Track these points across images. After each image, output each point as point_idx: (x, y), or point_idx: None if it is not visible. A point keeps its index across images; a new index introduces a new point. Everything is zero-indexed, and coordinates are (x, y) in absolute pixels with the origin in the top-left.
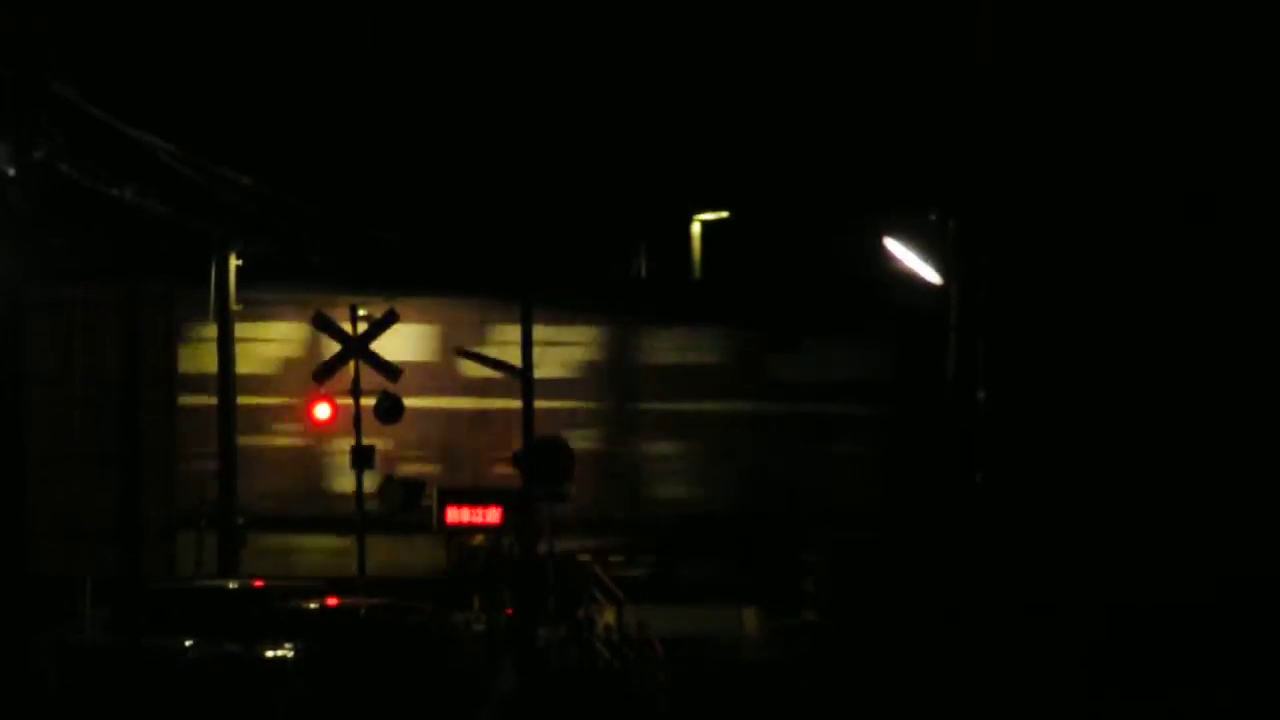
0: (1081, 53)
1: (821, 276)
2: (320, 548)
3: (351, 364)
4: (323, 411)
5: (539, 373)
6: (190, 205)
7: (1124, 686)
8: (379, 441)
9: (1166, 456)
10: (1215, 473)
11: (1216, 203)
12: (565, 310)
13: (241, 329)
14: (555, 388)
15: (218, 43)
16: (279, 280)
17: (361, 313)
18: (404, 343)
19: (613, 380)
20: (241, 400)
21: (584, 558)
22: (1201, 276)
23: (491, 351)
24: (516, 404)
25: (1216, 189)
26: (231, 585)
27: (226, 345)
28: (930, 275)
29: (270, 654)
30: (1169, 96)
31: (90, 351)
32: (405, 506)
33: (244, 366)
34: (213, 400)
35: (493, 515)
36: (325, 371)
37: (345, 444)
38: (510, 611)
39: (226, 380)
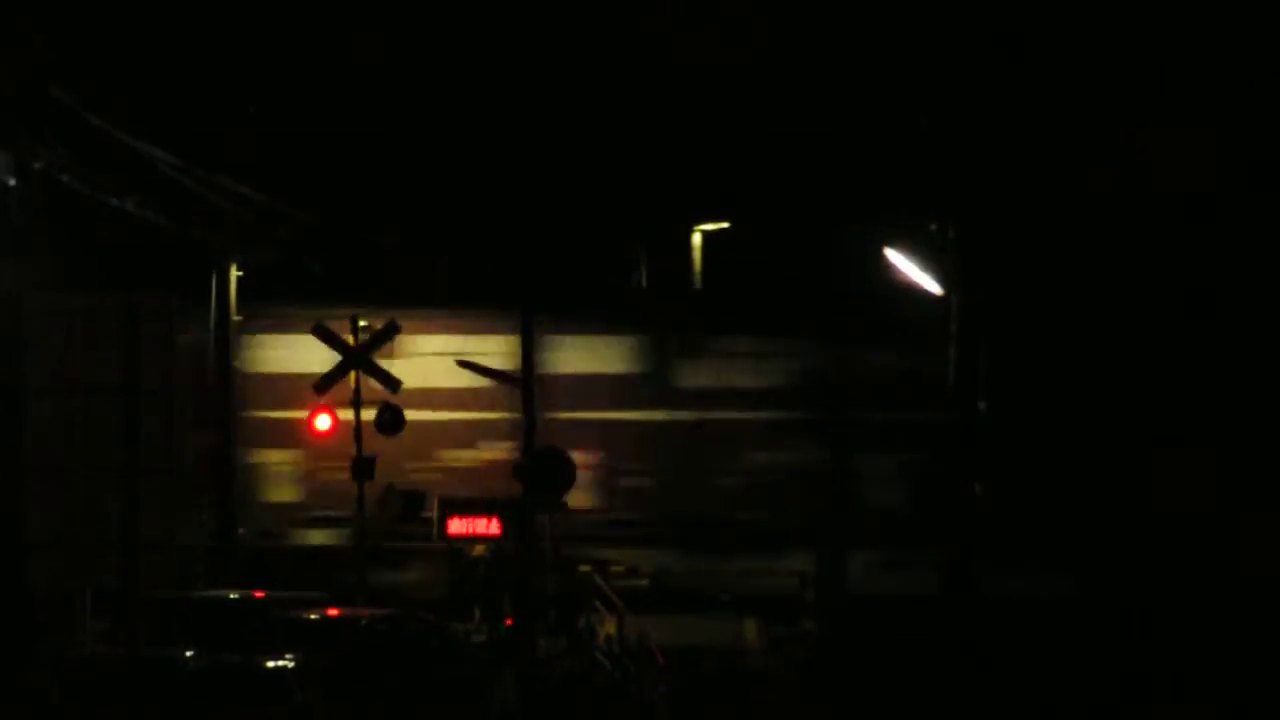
0: (1083, 58)
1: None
2: None
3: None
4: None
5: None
6: (191, 215)
7: (1126, 690)
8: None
9: (1165, 459)
10: (1214, 474)
11: (1217, 207)
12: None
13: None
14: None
15: (218, 52)
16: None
17: (362, 324)
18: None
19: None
20: None
21: (584, 568)
22: (1202, 281)
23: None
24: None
25: (1218, 194)
26: (232, 596)
27: (226, 355)
28: (930, 285)
29: (271, 664)
30: (1169, 102)
31: (90, 361)
32: (405, 517)
33: None
34: None
35: (493, 526)
36: (326, 383)
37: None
38: (510, 622)
39: (227, 390)
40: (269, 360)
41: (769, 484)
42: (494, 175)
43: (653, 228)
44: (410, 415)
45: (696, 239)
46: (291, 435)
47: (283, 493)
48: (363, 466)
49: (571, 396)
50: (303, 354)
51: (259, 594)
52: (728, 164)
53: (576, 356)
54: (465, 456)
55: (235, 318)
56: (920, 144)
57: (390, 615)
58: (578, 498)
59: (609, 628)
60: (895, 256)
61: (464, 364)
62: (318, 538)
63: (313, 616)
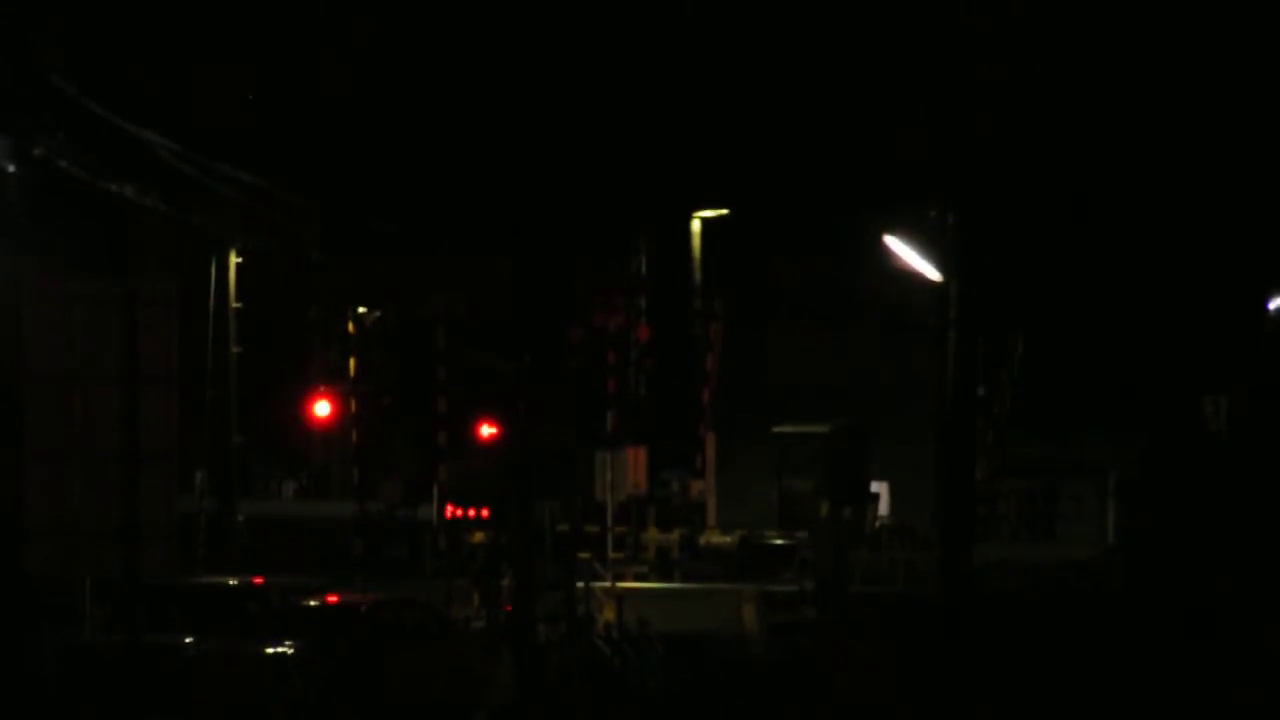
0: (1083, 45)
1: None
2: None
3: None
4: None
5: None
6: (190, 201)
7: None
8: None
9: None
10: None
11: (1215, 195)
12: None
13: None
14: None
15: (218, 38)
16: None
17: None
18: None
19: None
20: None
21: (584, 554)
22: (1201, 265)
23: None
24: None
25: (1214, 180)
26: (231, 582)
27: (225, 341)
28: (930, 272)
29: (270, 651)
30: (1171, 92)
31: (90, 348)
32: (405, 503)
33: None
34: None
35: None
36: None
37: None
38: (510, 609)
39: (226, 376)
40: None
41: None
42: (494, 159)
43: (651, 214)
44: None
45: (695, 225)
46: None
47: None
48: (361, 454)
49: None
50: None
51: (258, 580)
52: (727, 152)
53: None
54: None
55: (234, 304)
56: (919, 130)
57: (390, 602)
58: None
59: (608, 614)
60: (894, 243)
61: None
62: None
63: (312, 603)
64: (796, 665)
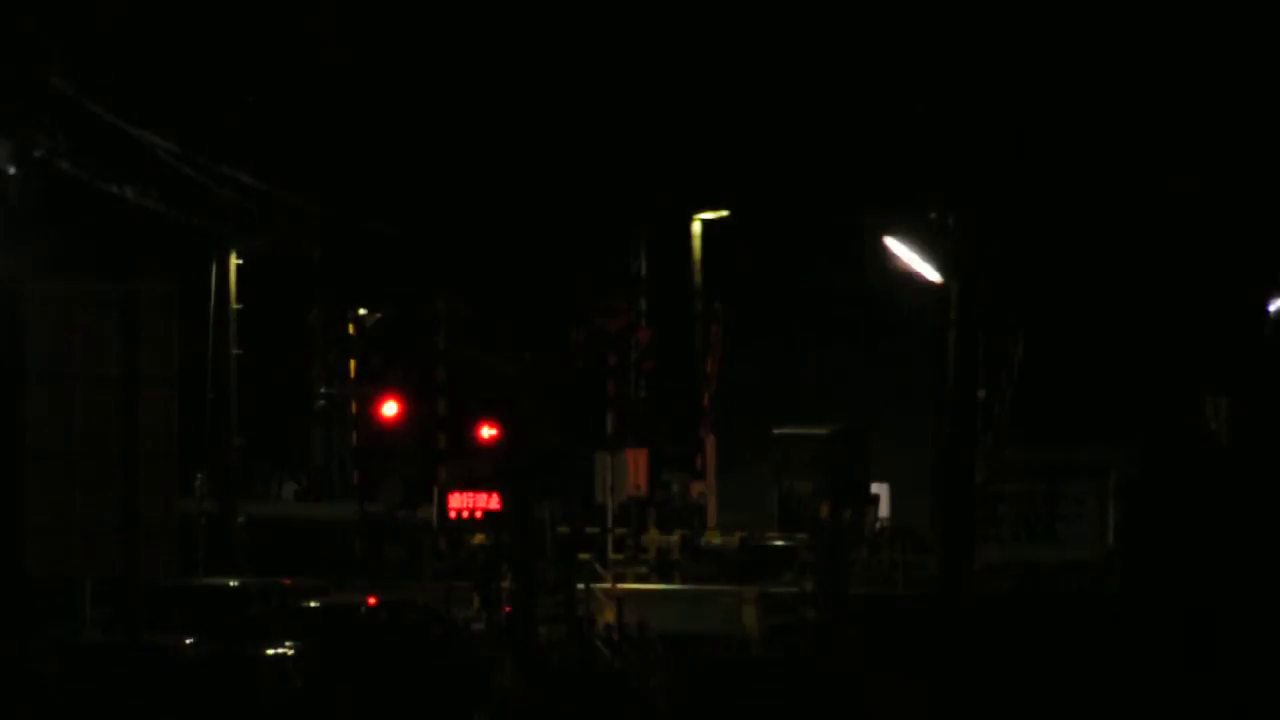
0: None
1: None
2: None
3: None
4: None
5: None
6: (190, 203)
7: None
8: None
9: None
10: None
11: (1215, 197)
12: None
13: None
14: None
15: (217, 39)
16: None
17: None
18: None
19: None
20: None
21: (584, 556)
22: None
23: None
24: None
25: (1214, 181)
26: (232, 583)
27: (225, 344)
28: (930, 273)
29: (270, 652)
30: (1171, 94)
31: (90, 349)
32: (404, 505)
33: None
34: None
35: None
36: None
37: None
38: (509, 610)
39: (226, 379)
40: None
41: None
42: (496, 160)
43: (652, 215)
44: None
45: (696, 227)
46: None
47: None
48: (363, 455)
49: None
50: None
51: (259, 581)
52: (728, 153)
53: None
54: None
55: (235, 305)
56: (918, 130)
57: (390, 603)
58: None
59: (608, 615)
60: (894, 244)
61: None
62: None
63: (313, 604)
64: (796, 665)
